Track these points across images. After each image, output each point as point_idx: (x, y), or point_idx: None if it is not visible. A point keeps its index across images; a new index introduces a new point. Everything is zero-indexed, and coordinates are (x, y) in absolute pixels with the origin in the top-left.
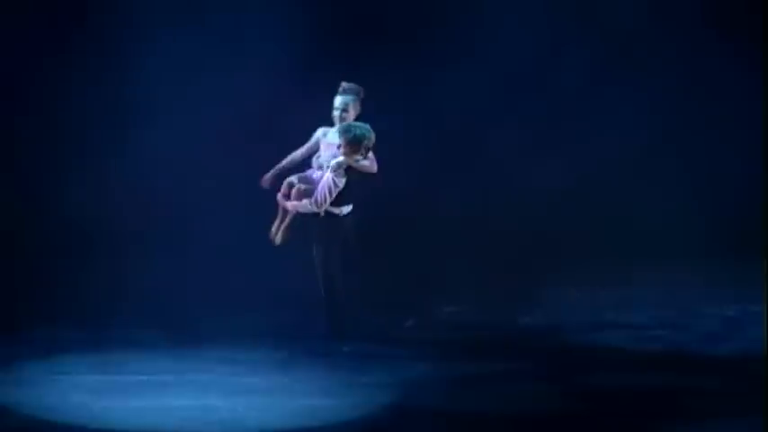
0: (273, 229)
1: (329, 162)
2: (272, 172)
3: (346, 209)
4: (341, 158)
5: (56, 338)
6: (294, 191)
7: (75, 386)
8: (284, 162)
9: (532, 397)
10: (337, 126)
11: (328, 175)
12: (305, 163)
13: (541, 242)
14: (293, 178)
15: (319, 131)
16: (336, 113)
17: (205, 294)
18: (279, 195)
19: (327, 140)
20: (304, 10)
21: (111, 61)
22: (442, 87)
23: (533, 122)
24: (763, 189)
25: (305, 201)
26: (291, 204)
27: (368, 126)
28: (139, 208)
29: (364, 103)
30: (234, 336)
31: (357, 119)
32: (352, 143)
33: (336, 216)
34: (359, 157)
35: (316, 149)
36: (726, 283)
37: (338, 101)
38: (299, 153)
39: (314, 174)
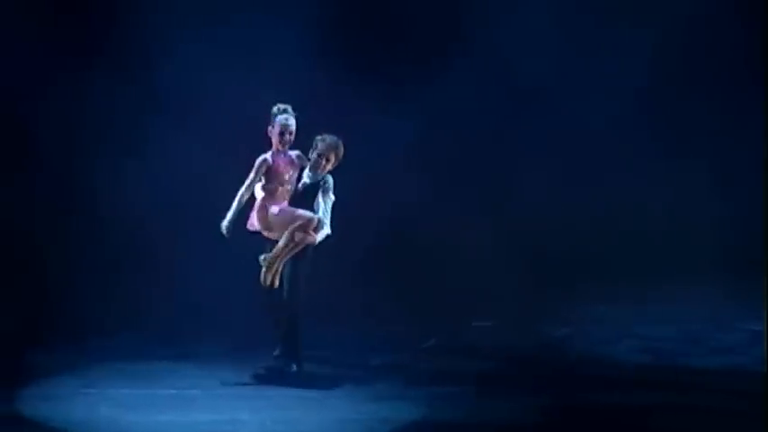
0: (271, 273)
1: (296, 186)
2: (230, 218)
3: None
4: (327, 176)
5: (84, 353)
6: (316, 223)
7: (103, 400)
8: (236, 204)
9: (558, 410)
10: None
11: (329, 196)
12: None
13: (571, 258)
14: (308, 213)
15: (262, 159)
16: (287, 137)
17: (234, 309)
18: (302, 234)
19: (281, 163)
20: (323, 16)
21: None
22: (471, 98)
23: (563, 144)
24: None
25: (326, 228)
26: (316, 238)
27: None
28: (168, 221)
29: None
30: (262, 350)
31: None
32: (333, 149)
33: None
34: (330, 167)
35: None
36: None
37: (283, 119)
38: (250, 190)
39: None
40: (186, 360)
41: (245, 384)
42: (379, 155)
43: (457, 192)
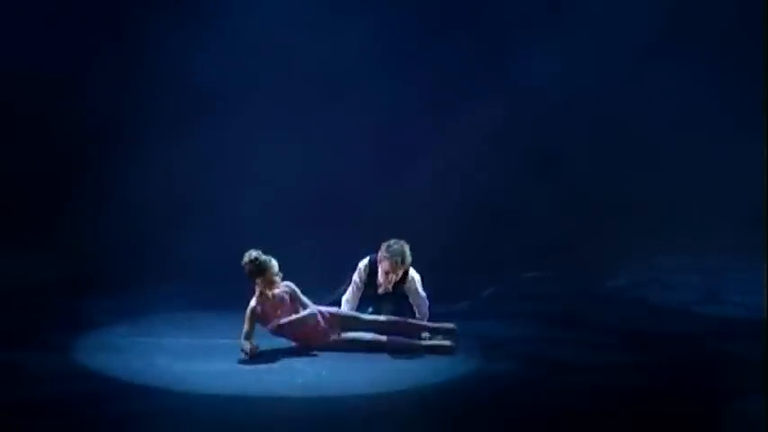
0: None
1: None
2: None
3: None
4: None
5: (141, 302)
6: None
7: (159, 349)
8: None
9: (615, 366)
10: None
11: None
12: None
13: (628, 210)
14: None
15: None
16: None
17: (294, 259)
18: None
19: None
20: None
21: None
22: (526, 72)
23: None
24: None
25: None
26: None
27: None
28: (222, 175)
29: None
30: (318, 299)
31: None
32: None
33: None
34: None
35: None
36: None
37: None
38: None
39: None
40: (243, 310)
41: None
42: (437, 114)
43: (514, 146)
